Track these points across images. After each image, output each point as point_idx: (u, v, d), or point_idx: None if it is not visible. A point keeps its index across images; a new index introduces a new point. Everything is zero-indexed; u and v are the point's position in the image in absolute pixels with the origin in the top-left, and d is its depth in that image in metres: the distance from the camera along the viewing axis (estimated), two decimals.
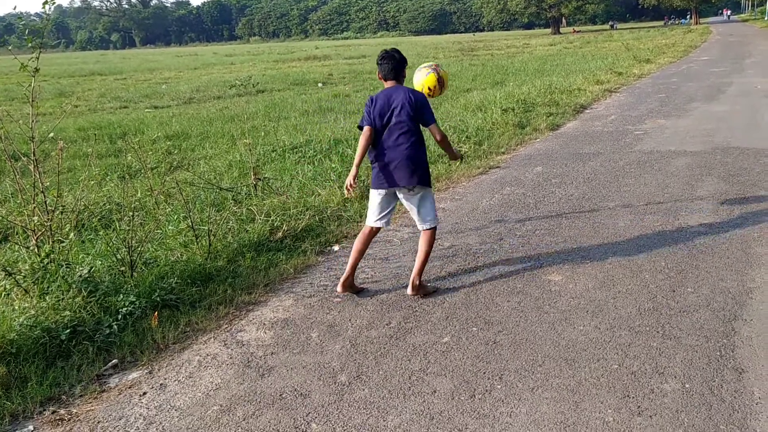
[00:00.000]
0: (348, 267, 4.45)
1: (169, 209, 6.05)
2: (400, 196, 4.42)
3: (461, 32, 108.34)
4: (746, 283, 4.22)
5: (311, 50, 54.11)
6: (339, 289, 4.44)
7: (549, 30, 79.33)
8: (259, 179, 6.79)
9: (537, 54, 34.66)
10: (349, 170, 4.32)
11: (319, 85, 22.75)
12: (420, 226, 4.44)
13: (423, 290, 4.41)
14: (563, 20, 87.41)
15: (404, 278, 4.64)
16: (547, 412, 2.97)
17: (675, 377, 3.18)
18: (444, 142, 4.44)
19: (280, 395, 3.25)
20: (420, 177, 4.31)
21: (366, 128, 4.33)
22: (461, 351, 3.57)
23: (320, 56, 43.74)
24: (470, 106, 12.69)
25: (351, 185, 4.29)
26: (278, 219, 5.70)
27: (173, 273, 4.50)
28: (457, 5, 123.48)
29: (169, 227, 5.48)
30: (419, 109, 4.31)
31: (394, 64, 4.40)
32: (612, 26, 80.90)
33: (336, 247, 5.42)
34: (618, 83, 16.98)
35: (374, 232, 4.53)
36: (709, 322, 3.71)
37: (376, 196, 4.45)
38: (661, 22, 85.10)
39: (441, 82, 4.81)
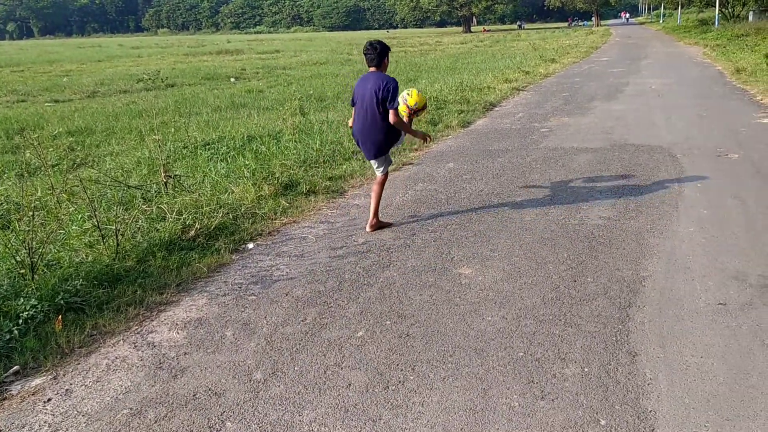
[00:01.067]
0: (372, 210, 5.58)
1: (73, 208, 5.81)
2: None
3: (375, 29, 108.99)
4: (640, 272, 4.52)
5: (223, 44, 53.00)
6: (368, 228, 5.55)
7: (461, 28, 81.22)
8: (170, 177, 6.62)
9: (449, 52, 35.43)
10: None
11: (232, 80, 22.34)
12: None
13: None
14: (474, 19, 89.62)
15: (319, 275, 4.68)
16: (458, 400, 3.09)
17: (575, 362, 3.38)
18: (398, 123, 5.21)
19: (194, 395, 3.21)
20: (377, 153, 5.41)
21: (353, 109, 5.45)
22: (375, 344, 3.65)
23: (232, 50, 42.93)
24: None
25: None
26: (190, 217, 5.58)
27: (78, 275, 4.33)
28: (370, 2, 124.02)
29: (73, 227, 5.26)
30: (385, 94, 5.12)
31: (376, 54, 5.24)
32: (520, 26, 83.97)
33: (251, 245, 5.38)
34: (525, 82, 17.60)
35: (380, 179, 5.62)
36: (607, 310, 3.96)
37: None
38: (566, 24, 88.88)
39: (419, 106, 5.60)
